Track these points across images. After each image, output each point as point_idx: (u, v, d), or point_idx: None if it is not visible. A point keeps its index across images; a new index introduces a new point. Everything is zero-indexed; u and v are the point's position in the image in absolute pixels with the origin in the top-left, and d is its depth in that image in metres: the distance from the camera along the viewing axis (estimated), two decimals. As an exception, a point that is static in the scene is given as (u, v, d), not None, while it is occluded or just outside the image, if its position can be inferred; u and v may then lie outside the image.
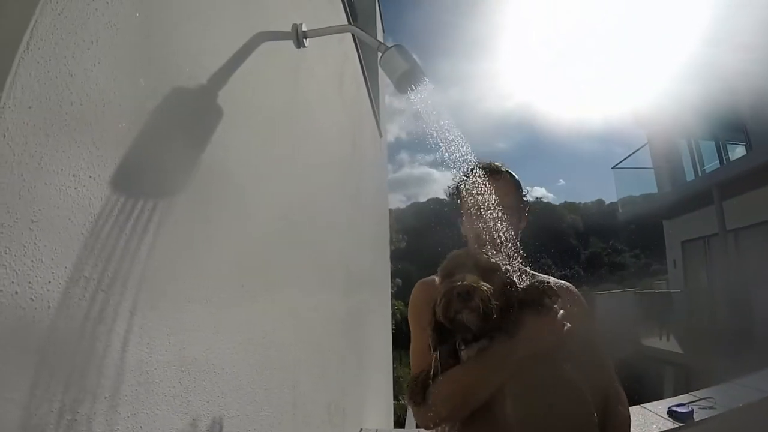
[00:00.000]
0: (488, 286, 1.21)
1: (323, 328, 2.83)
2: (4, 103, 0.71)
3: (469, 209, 1.60)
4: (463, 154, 1.53)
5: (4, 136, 0.70)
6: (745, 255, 12.63)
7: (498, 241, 1.48)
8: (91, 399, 0.89)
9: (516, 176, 1.70)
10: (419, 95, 1.72)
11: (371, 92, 5.73)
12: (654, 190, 16.51)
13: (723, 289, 12.48)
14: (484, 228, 1.53)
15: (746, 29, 9.42)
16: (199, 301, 1.30)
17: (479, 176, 1.58)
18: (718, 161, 13.39)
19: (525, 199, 1.69)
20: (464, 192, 1.64)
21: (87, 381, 0.88)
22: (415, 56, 1.75)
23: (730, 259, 12.29)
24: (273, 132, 2.06)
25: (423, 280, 1.62)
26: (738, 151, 12.98)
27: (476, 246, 1.53)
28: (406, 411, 15.68)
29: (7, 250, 0.71)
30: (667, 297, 14.07)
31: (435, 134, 1.56)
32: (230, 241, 1.56)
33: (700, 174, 14.22)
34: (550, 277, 1.61)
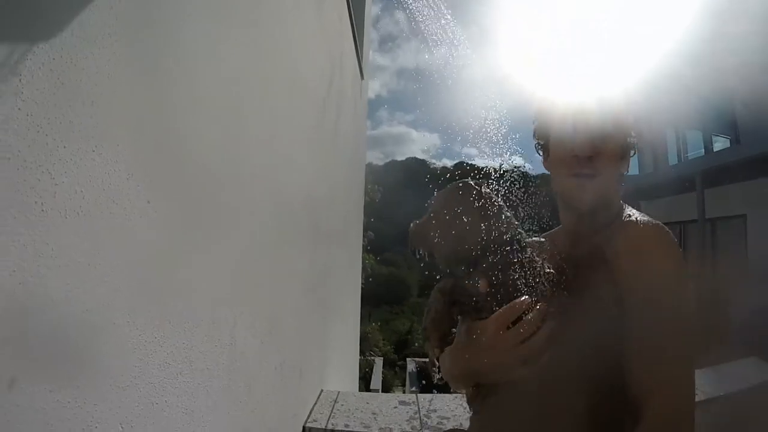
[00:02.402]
0: None
1: (277, 278, 2.44)
2: None
3: (564, 128, 1.25)
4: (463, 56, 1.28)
5: None
6: (720, 245, 13.00)
7: (592, 165, 1.19)
8: None
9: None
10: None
11: (355, 28, 5.28)
12: (635, 171, 16.81)
13: (696, 276, 12.79)
14: (576, 146, 1.20)
15: (740, 18, 9.34)
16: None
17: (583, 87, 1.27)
18: (702, 150, 13.74)
19: (632, 134, 1.29)
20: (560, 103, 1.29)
21: None
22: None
23: (705, 248, 12.45)
24: (228, 35, 1.64)
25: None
26: (718, 145, 13.33)
27: (564, 176, 1.26)
28: (372, 368, 15.84)
29: None
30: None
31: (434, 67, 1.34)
32: (164, 161, 1.17)
33: (683, 160, 14.69)
34: (641, 217, 1.21)
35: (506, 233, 1.15)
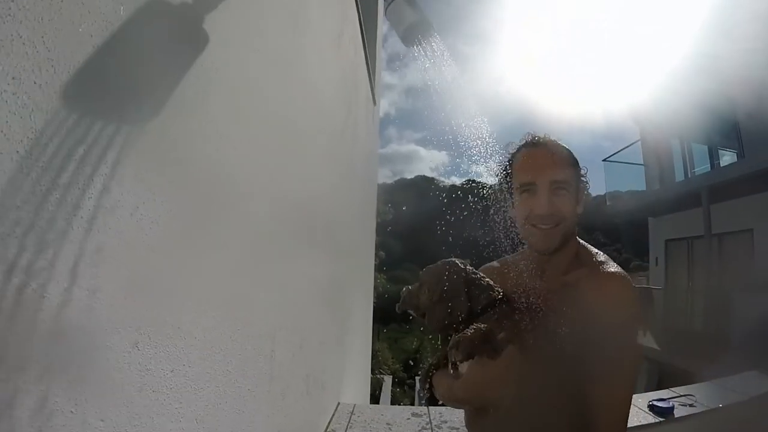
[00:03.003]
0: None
1: (305, 296, 2.69)
2: None
3: (518, 187, 1.48)
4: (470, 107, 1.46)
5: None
6: (727, 260, 13.01)
7: (551, 220, 1.41)
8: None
9: (569, 149, 1.53)
10: (426, 48, 1.62)
11: (369, 58, 5.57)
12: (642, 187, 16.77)
13: (703, 291, 12.82)
14: (532, 209, 1.43)
15: (747, 32, 9.45)
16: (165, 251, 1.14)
17: (525, 152, 1.48)
18: (708, 165, 13.64)
19: (583, 179, 1.52)
20: (514, 167, 1.52)
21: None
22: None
23: (712, 263, 12.53)
24: (266, 79, 1.87)
25: (485, 266, 1.67)
26: (726, 159, 13.18)
27: (526, 226, 1.47)
28: (381, 386, 15.88)
29: None
30: (646, 293, 14.17)
31: (440, 89, 1.50)
32: (211, 192, 1.39)
33: (689, 176, 14.49)
34: (608, 264, 1.44)
35: (486, 298, 1.40)
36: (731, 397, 4.17)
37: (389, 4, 1.61)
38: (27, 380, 0.72)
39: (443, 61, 1.58)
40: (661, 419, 3.61)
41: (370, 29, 5.69)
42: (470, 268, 1.45)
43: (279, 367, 2.04)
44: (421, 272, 1.48)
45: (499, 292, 1.43)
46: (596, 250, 1.49)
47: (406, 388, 25.20)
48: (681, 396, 4.03)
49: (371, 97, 6.38)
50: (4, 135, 0.66)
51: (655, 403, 3.75)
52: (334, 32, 3.31)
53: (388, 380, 19.44)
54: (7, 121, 0.67)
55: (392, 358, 26.11)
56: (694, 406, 3.85)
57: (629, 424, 3.60)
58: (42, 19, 0.72)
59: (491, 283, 1.45)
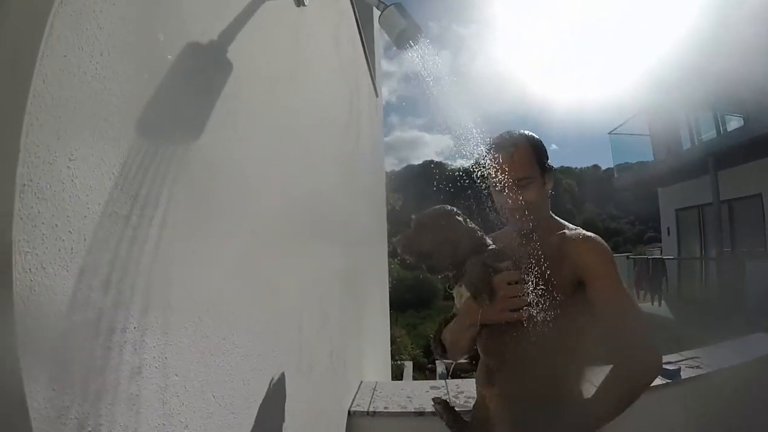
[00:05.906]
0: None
1: (324, 282, 2.95)
2: (43, 52, 0.76)
3: (492, 188, 1.81)
4: (459, 114, 1.64)
5: (44, 81, 0.76)
6: (738, 226, 12.93)
7: (520, 210, 1.75)
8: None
9: (532, 141, 1.83)
10: (417, 53, 1.80)
11: (367, 52, 5.77)
12: (650, 157, 16.64)
13: (715, 258, 12.79)
14: (505, 201, 1.77)
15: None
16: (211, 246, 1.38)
17: (492, 155, 1.76)
18: (714, 132, 13.49)
19: (546, 162, 1.84)
20: (484, 173, 1.81)
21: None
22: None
23: (723, 229, 12.48)
24: (275, 92, 2.11)
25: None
26: (733, 123, 12.96)
27: (507, 217, 1.84)
28: (402, 372, 16.05)
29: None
30: (660, 264, 14.24)
31: (431, 93, 1.66)
32: (240, 195, 1.63)
33: (696, 143, 14.36)
34: (578, 228, 1.79)
35: (482, 241, 1.68)
36: (737, 359, 4.26)
37: (382, 12, 1.82)
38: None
39: (432, 63, 1.76)
40: (669, 381, 3.70)
41: (366, 23, 5.83)
42: (462, 214, 1.73)
43: (306, 342, 2.30)
44: (413, 217, 1.72)
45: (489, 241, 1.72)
46: (566, 223, 1.85)
47: (427, 372, 25.42)
48: (687, 359, 4.14)
49: (373, 89, 6.59)
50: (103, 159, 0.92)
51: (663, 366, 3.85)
52: (333, 34, 3.52)
53: (408, 366, 19.76)
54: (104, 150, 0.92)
55: (411, 344, 26.37)
56: (700, 368, 3.94)
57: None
58: (117, 72, 0.96)
59: (478, 230, 1.74)
